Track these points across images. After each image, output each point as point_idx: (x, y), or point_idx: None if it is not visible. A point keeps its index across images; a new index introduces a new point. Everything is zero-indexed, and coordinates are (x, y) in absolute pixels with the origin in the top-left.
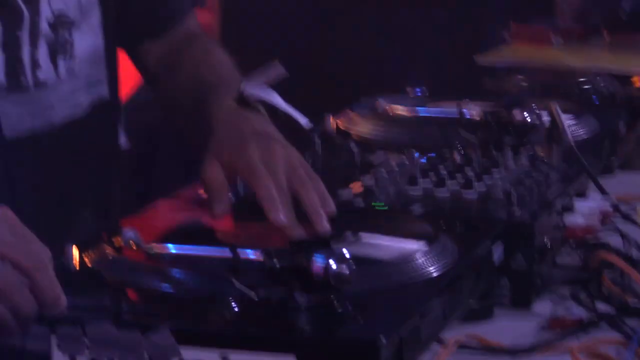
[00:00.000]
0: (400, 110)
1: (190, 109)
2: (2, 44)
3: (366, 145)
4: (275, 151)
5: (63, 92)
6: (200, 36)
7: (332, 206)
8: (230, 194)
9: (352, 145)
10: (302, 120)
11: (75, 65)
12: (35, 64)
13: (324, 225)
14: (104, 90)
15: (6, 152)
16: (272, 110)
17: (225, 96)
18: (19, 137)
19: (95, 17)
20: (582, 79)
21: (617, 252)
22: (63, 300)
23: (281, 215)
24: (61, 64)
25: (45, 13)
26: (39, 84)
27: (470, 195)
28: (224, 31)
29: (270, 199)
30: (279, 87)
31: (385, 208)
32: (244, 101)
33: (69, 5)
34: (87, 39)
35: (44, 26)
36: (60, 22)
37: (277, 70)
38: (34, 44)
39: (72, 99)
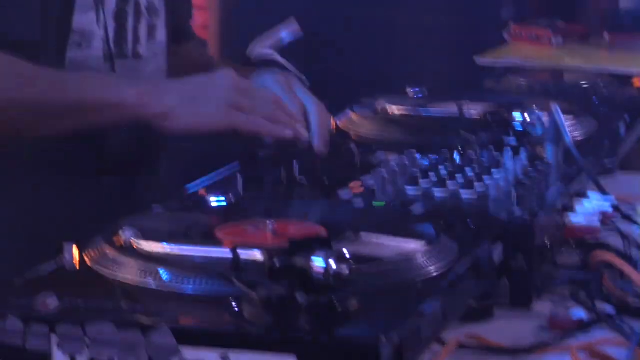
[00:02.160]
0: (400, 110)
1: None
2: (114, 13)
3: (366, 145)
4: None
5: (150, 68)
6: None
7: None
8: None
9: (352, 145)
10: (302, 77)
11: (156, 48)
12: (136, 38)
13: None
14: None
15: None
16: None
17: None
18: None
19: (162, 15)
20: (582, 79)
21: (617, 252)
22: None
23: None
24: (150, 43)
25: None
26: (137, 55)
27: (470, 195)
28: (223, 31)
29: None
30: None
31: (384, 205)
32: (249, 62)
33: None
34: (160, 31)
35: (143, 8)
36: (152, 8)
37: (291, 28)
38: (137, 20)
39: (152, 76)
